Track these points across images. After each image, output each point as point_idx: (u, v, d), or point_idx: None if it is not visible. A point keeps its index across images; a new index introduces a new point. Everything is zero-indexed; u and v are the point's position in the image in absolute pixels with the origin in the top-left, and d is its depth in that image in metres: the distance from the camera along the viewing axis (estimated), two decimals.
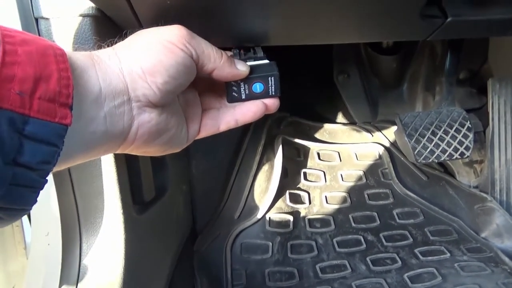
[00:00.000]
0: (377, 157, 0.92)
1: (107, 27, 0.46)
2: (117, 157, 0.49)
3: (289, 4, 0.44)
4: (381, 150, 0.92)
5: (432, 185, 0.89)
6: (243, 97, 0.38)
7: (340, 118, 1.01)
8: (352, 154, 0.92)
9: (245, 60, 0.39)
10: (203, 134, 0.39)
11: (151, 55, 0.31)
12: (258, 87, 0.38)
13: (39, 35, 0.42)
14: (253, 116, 0.39)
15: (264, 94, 0.39)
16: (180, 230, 0.71)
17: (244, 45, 0.44)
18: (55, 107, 0.24)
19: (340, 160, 0.90)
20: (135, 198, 0.55)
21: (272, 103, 0.39)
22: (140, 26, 0.48)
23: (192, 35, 0.33)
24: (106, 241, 0.51)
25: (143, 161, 0.57)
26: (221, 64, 0.35)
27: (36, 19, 0.42)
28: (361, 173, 0.89)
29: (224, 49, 0.39)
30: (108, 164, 0.49)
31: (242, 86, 0.38)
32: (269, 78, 0.38)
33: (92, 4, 0.43)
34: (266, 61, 0.40)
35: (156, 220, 0.61)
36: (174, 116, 0.34)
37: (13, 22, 0.44)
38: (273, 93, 0.39)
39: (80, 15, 0.42)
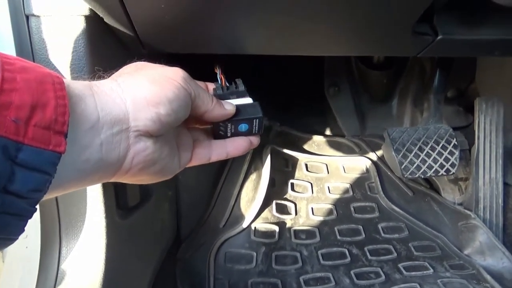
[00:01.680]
0: (365, 170, 0.92)
1: (99, 27, 0.46)
2: None
3: (285, 15, 0.44)
4: (368, 163, 0.93)
5: (417, 200, 0.90)
6: (229, 135, 0.41)
7: (329, 130, 1.01)
8: (340, 167, 0.92)
9: (228, 96, 0.42)
10: (195, 162, 0.40)
11: (157, 87, 0.32)
12: (243, 127, 0.41)
13: (29, 33, 0.42)
14: (243, 150, 0.42)
15: (248, 133, 0.42)
16: (164, 237, 0.70)
17: (225, 76, 0.47)
18: (50, 134, 0.24)
19: (328, 172, 0.90)
20: (119, 202, 0.54)
21: (256, 140, 0.43)
22: (133, 28, 0.47)
23: (190, 78, 0.36)
24: (87, 245, 0.50)
25: None
26: (212, 107, 0.37)
27: (27, 16, 0.42)
28: (348, 186, 0.90)
29: (210, 72, 0.45)
30: None
31: (229, 126, 0.40)
32: (254, 120, 0.41)
33: (85, 4, 0.42)
34: (250, 100, 0.43)
35: (139, 225, 0.59)
36: (168, 145, 0.35)
37: (3, 19, 0.44)
38: (256, 131, 0.42)
39: (72, 14, 0.41)
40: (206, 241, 0.73)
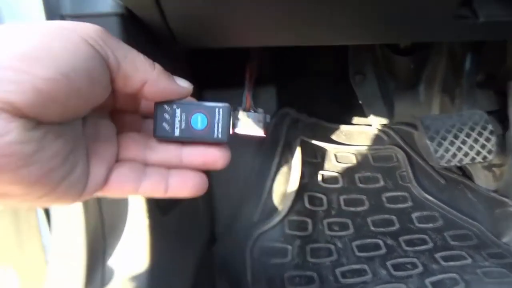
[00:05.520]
0: (395, 159, 0.90)
1: (135, 25, 0.45)
2: None
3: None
4: (398, 152, 0.91)
5: (450, 188, 0.88)
6: (176, 133, 0.28)
7: (356, 119, 0.99)
8: (369, 156, 0.90)
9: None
10: (115, 187, 0.26)
11: (36, 39, 0.20)
12: (199, 120, 0.28)
13: None
14: (192, 189, 0.28)
15: (206, 134, 0.28)
16: (201, 232, 0.70)
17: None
18: None
19: (357, 162, 0.89)
20: (158, 200, 0.54)
21: (218, 156, 0.28)
22: (167, 25, 0.47)
23: (112, 36, 0.24)
24: (130, 243, 0.50)
25: None
26: (155, 75, 0.25)
27: (62, 17, 0.41)
28: (379, 175, 0.88)
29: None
30: None
31: (178, 114, 0.28)
32: (217, 110, 0.28)
33: (120, 2, 0.42)
34: (262, 132, 0.34)
35: (177, 222, 0.59)
36: (63, 141, 0.22)
37: (38, 19, 0.43)
38: (219, 135, 0.28)
39: (107, 14, 0.41)
40: (241, 235, 0.73)
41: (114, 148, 0.27)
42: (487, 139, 0.74)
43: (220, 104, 0.28)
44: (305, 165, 0.82)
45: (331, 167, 0.86)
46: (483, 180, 0.89)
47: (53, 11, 0.43)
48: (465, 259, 0.75)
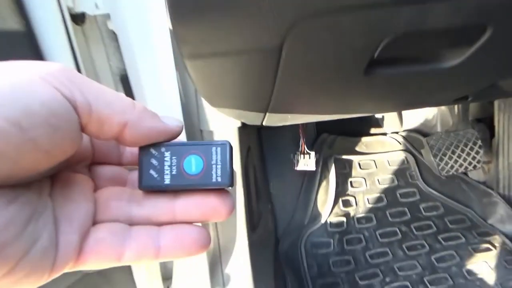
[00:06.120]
0: (405, 162, 1.15)
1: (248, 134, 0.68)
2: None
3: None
4: (408, 156, 1.15)
5: (449, 182, 1.14)
6: (167, 181, 0.23)
7: (373, 129, 1.23)
8: (385, 161, 1.15)
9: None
10: (92, 257, 0.20)
11: None
12: (193, 163, 0.23)
13: None
14: (191, 248, 0.22)
15: (203, 179, 0.22)
16: (271, 238, 0.97)
17: None
18: None
19: (376, 167, 1.14)
20: (252, 219, 0.79)
21: (219, 204, 0.22)
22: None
23: (80, 75, 0.19)
24: (237, 256, 0.77)
25: (251, 191, 0.81)
26: (136, 115, 0.20)
27: (201, 131, 0.64)
28: (394, 176, 1.13)
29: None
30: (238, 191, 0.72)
31: (168, 158, 0.23)
32: (213, 149, 0.23)
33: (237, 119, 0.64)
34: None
35: (262, 233, 0.86)
36: (22, 209, 0.18)
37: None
38: (218, 179, 0.22)
39: (232, 128, 0.64)
40: (296, 235, 1.00)
41: (89, 209, 0.21)
42: (477, 152, 0.99)
43: (217, 142, 0.23)
44: (338, 176, 1.07)
45: (357, 174, 1.12)
46: (475, 173, 1.14)
47: (194, 126, 0.65)
48: (460, 239, 1.02)
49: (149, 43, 0.51)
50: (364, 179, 1.12)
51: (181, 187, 0.22)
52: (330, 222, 1.03)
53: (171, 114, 0.29)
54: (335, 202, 1.04)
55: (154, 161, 0.22)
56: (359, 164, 1.13)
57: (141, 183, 0.22)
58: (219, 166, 0.22)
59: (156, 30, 0.50)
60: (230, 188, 0.23)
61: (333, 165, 1.04)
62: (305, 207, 1.02)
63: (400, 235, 1.04)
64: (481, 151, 0.98)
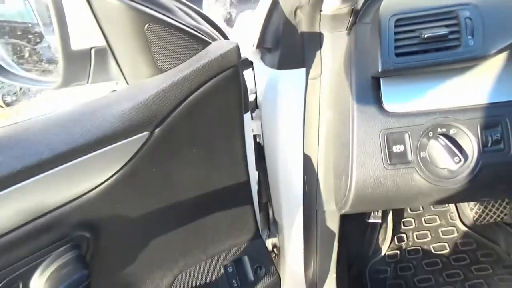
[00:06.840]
0: (447, 205, 1.46)
1: None
2: None
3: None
4: None
5: (482, 224, 1.44)
6: None
7: None
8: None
9: None
10: None
11: None
12: None
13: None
14: None
15: None
16: (346, 267, 1.31)
17: None
18: None
19: (423, 209, 1.45)
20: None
21: None
22: None
23: None
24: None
25: None
26: None
27: (316, 210, 0.98)
28: (437, 217, 1.45)
29: None
30: None
31: None
32: None
33: None
34: None
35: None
36: None
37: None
38: None
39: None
40: (362, 265, 1.34)
41: None
42: (506, 205, 1.29)
43: None
44: (393, 217, 1.39)
45: (408, 215, 1.43)
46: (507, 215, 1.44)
47: (311, 205, 0.99)
48: (488, 270, 1.33)
49: None
50: (413, 219, 1.44)
51: None
52: (387, 254, 1.36)
53: None
54: (392, 239, 1.37)
55: None
56: (409, 207, 1.45)
57: None
58: None
59: None
60: None
61: (391, 211, 1.37)
62: (370, 244, 1.36)
63: (441, 265, 1.36)
64: (509, 206, 1.28)
